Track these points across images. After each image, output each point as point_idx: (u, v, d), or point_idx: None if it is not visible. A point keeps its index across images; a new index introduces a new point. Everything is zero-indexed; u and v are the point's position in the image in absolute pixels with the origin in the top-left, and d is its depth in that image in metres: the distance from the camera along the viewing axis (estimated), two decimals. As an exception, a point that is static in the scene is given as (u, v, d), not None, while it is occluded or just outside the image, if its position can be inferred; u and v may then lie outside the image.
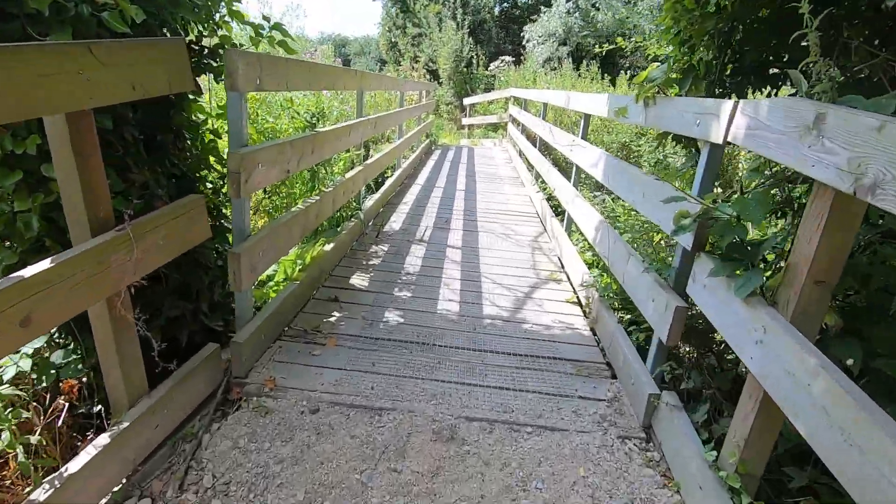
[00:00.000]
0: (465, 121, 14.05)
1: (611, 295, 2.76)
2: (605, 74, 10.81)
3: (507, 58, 14.03)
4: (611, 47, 3.02)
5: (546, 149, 6.39)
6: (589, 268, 3.37)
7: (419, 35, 17.76)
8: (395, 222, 4.62)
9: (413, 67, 13.60)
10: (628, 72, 10.29)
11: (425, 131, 10.00)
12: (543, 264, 3.85)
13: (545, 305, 3.10)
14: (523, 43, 15.65)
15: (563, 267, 3.82)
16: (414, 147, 8.62)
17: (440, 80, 16.11)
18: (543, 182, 5.67)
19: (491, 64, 14.71)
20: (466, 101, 14.15)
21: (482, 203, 5.71)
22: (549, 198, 5.49)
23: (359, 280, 3.22)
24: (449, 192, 6.14)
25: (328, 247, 3.10)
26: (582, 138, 3.87)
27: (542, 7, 15.60)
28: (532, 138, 8.44)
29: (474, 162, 9.02)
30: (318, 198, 2.79)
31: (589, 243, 3.49)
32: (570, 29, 14.51)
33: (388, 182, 5.51)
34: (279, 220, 2.38)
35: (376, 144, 6.81)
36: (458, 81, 15.25)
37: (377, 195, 4.84)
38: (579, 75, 11.36)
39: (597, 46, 15.49)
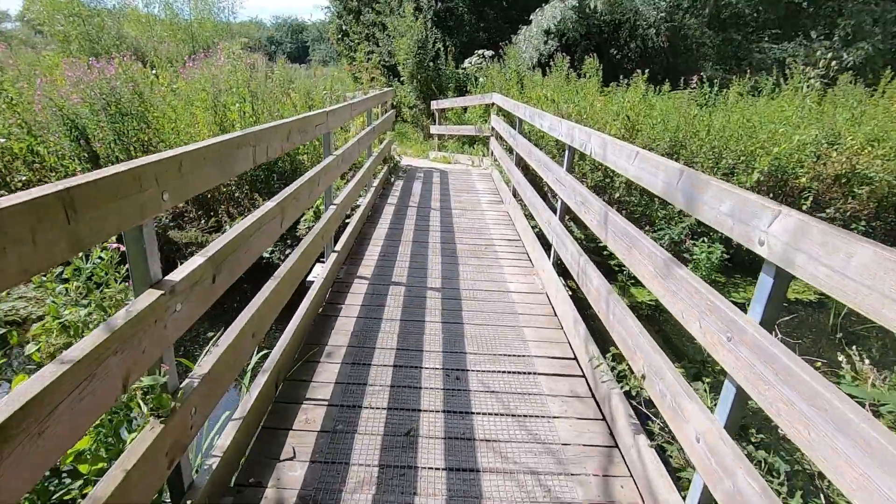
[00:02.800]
0: (434, 129, 11.43)
1: None
2: (622, 76, 8.34)
3: (486, 52, 11.38)
4: None
5: (551, 194, 3.89)
6: None
7: (374, 24, 14.87)
8: (296, 459, 2.04)
9: (365, 69, 10.81)
10: (645, 72, 7.83)
11: (382, 157, 7.38)
12: None
13: None
14: (515, 41, 12.93)
15: None
16: (363, 192, 6.01)
17: (401, 79, 13.32)
18: (562, 261, 3.21)
19: (466, 60, 12.00)
20: (435, 105, 11.50)
21: (475, 341, 3.18)
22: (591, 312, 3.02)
23: None
24: (415, 310, 3.57)
25: None
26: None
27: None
28: (528, 168, 5.95)
29: (451, 206, 6.45)
30: None
31: None
32: (563, 19, 11.96)
33: (296, 317, 2.88)
34: None
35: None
36: (422, 80, 12.50)
37: (259, 384, 2.23)
38: (579, 76, 8.87)
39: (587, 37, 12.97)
